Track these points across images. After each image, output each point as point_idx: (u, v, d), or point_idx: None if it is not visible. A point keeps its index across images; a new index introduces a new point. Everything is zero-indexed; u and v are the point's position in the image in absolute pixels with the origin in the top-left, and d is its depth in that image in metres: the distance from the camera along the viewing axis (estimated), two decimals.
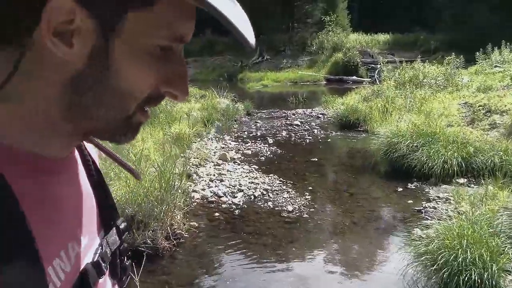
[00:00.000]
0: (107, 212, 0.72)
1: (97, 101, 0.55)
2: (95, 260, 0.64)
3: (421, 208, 5.80)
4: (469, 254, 3.65)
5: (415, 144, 7.15)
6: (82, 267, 0.61)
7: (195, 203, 6.09)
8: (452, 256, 3.70)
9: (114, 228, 0.71)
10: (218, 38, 30.95)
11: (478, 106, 9.51)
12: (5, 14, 0.51)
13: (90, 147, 0.74)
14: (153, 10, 0.53)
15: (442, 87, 12.94)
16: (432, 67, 15.08)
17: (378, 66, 17.31)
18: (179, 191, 5.15)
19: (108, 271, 0.67)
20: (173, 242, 4.85)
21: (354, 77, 23.00)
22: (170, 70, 0.58)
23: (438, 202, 5.95)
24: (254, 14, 29.86)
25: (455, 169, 6.59)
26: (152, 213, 4.63)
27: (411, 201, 6.08)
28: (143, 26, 0.53)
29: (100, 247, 0.66)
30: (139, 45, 0.54)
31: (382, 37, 31.35)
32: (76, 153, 0.68)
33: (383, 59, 19.40)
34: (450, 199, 5.90)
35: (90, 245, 0.64)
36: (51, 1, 0.49)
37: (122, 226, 0.73)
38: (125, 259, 0.75)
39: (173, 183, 5.01)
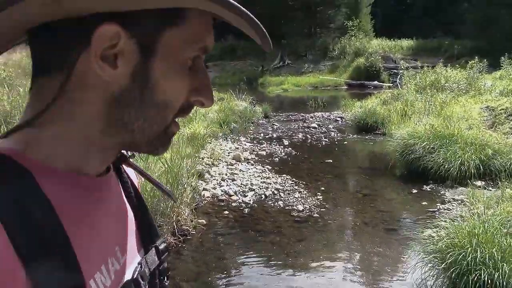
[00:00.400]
0: (147, 233, 0.73)
1: (139, 115, 0.57)
2: (134, 277, 0.65)
3: (435, 209, 5.65)
4: (479, 253, 3.51)
5: (431, 146, 6.98)
6: (122, 283, 0.62)
7: (205, 201, 6.05)
8: (461, 255, 3.56)
9: (154, 249, 0.72)
10: (240, 43, 31.07)
11: (500, 110, 9.28)
12: (54, 42, 0.54)
13: (129, 171, 0.77)
14: (185, 26, 0.56)
15: (464, 91, 12.68)
16: (454, 71, 14.79)
17: (400, 71, 17.10)
18: (186, 187, 5.09)
19: None
20: (180, 238, 4.82)
21: (376, 82, 22.78)
22: (197, 79, 0.60)
23: (453, 204, 5.79)
24: (275, 19, 30.08)
25: (472, 171, 6.41)
26: (158, 208, 4.60)
27: (426, 203, 5.93)
28: (177, 41, 0.56)
29: (139, 266, 0.67)
30: (174, 59, 0.57)
31: (406, 42, 31.04)
32: (115, 175, 0.70)
33: (405, 64, 19.16)
34: (466, 201, 5.72)
35: (129, 263, 0.66)
36: (101, 28, 0.52)
37: (161, 246, 0.74)
38: (165, 280, 0.75)
39: (180, 179, 4.96)
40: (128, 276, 0.64)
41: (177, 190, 4.88)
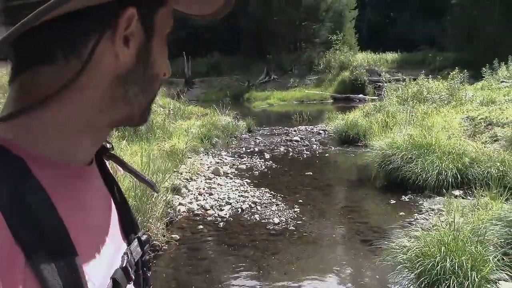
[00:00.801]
0: (128, 225, 0.74)
1: (140, 90, 0.62)
2: (124, 265, 0.65)
3: (412, 219, 5.59)
4: (448, 262, 3.45)
5: (409, 156, 6.96)
6: (113, 270, 0.63)
7: (181, 216, 5.96)
8: (431, 264, 3.51)
9: (136, 239, 0.73)
10: (225, 59, 31.17)
11: (480, 119, 9.31)
12: (65, 30, 0.54)
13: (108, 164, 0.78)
14: (168, 4, 0.62)
15: (445, 102, 12.74)
16: (436, 83, 14.89)
17: (385, 84, 17.24)
18: (156, 201, 4.99)
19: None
20: (150, 254, 4.70)
21: (361, 95, 22.89)
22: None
23: (430, 214, 5.74)
24: (261, 34, 30.15)
25: (450, 180, 6.39)
26: None
27: (403, 213, 5.88)
28: (164, 19, 0.62)
29: (126, 255, 0.68)
30: (162, 36, 0.63)
31: (390, 56, 31.30)
32: (97, 167, 0.70)
33: (387, 76, 19.25)
34: (443, 211, 5.69)
35: (117, 252, 0.67)
36: (128, 11, 0.56)
37: (143, 238, 0.74)
38: (147, 270, 0.75)
39: (150, 193, 4.86)
40: (117, 265, 0.65)
41: (147, 204, 4.77)
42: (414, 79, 15.36)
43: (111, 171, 0.75)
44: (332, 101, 23.55)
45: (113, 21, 0.56)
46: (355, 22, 33.07)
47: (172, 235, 5.25)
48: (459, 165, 6.55)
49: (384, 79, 16.47)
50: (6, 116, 0.55)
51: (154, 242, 4.84)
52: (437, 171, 6.48)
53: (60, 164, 0.58)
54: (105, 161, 0.75)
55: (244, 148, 10.74)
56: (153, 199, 4.93)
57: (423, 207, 6.04)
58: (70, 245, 0.53)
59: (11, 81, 0.59)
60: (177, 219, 5.84)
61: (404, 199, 6.43)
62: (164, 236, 5.07)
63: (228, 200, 6.52)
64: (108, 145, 0.74)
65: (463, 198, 6.11)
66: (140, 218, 4.60)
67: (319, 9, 29.33)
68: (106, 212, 0.68)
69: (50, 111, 0.56)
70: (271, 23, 30.38)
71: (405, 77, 20.95)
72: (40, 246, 0.49)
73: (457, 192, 6.32)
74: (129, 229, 0.73)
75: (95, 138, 0.63)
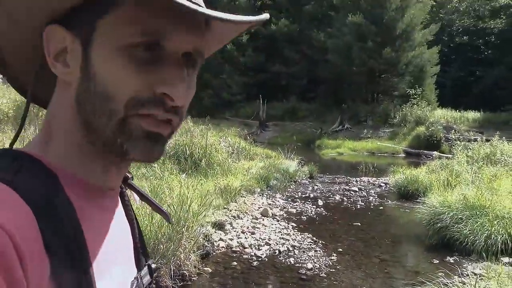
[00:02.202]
0: (140, 252, 0.77)
1: (93, 110, 0.59)
2: None
3: (450, 282, 5.38)
4: None
5: (460, 216, 6.72)
6: None
7: (218, 251, 6.12)
8: None
9: (147, 267, 0.76)
10: (301, 105, 31.59)
11: None
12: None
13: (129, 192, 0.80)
14: (120, 11, 0.57)
15: None
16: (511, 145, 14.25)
17: (456, 142, 16.70)
18: (184, 231, 5.18)
19: None
20: (178, 282, 4.89)
21: (436, 153, 22.16)
22: (166, 71, 0.59)
23: (471, 278, 5.49)
24: (338, 83, 30.35)
25: (500, 246, 6.09)
26: (158, 249, 4.73)
27: (442, 274, 5.66)
28: (113, 27, 0.57)
29: (136, 280, 0.70)
30: (113, 46, 0.57)
31: (472, 114, 30.19)
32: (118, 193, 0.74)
33: (466, 135, 18.61)
34: (484, 276, 5.43)
35: (128, 276, 0.69)
36: (46, 29, 0.60)
37: (153, 266, 0.78)
38: None
39: (185, 223, 5.10)
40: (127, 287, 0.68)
41: (179, 234, 5.00)
42: (487, 140, 14.79)
43: (130, 200, 0.78)
44: (404, 155, 23.01)
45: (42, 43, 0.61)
46: (437, 77, 32.46)
47: (204, 268, 5.42)
48: (511, 231, 6.24)
49: (453, 137, 15.90)
50: (40, 133, 0.64)
51: (183, 271, 5.03)
52: (486, 234, 6.22)
53: (84, 183, 0.62)
54: (125, 190, 0.77)
55: (299, 193, 10.81)
56: (186, 230, 5.15)
57: (465, 270, 5.79)
58: (89, 264, 0.56)
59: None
60: (214, 253, 6.02)
61: (449, 260, 6.19)
62: (195, 267, 5.25)
63: (268, 241, 6.62)
64: (129, 175, 0.76)
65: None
66: (171, 247, 4.83)
67: (400, 63, 29.11)
68: (123, 237, 0.71)
69: (55, 136, 0.63)
70: (350, 73, 30.56)
71: (488, 138, 20.17)
72: (64, 259, 0.52)
73: (506, 259, 6.01)
74: (140, 256, 0.76)
75: (103, 165, 0.64)
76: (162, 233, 4.81)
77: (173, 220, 4.98)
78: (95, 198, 0.63)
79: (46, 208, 0.52)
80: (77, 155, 0.62)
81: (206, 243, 5.90)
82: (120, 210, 0.72)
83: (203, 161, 10.10)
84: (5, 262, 0.46)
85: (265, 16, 0.63)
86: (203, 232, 5.87)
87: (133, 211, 0.77)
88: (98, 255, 0.59)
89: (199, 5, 0.57)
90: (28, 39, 0.64)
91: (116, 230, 0.68)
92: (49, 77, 0.64)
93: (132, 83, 0.57)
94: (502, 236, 6.18)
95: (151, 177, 7.35)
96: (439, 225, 6.81)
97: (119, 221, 0.70)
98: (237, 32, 0.70)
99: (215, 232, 6.61)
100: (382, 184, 12.52)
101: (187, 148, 10.07)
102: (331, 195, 10.69)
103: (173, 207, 5.29)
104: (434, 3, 42.73)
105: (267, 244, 6.52)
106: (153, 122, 0.60)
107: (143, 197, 0.80)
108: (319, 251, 6.37)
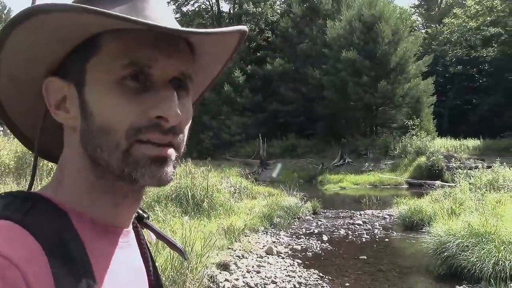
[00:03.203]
0: None
1: (96, 147, 0.62)
2: None
3: None
4: None
5: (466, 244, 6.67)
6: None
7: None
8: None
9: None
10: (300, 141, 31.72)
11: None
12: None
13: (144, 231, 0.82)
14: (102, 50, 0.62)
15: None
16: None
17: (458, 170, 16.72)
18: (188, 274, 5.13)
19: None
20: None
21: (438, 182, 22.10)
22: (156, 95, 0.62)
23: None
24: (336, 118, 30.54)
25: (508, 272, 6.02)
26: None
27: None
28: (99, 66, 0.61)
29: None
30: (103, 83, 0.61)
31: (472, 142, 30.26)
32: (133, 232, 0.75)
33: (467, 164, 18.63)
34: None
35: None
36: (43, 83, 0.66)
37: None
38: None
39: (188, 265, 5.06)
40: None
41: (184, 276, 4.96)
42: (489, 167, 14.81)
43: (146, 240, 0.79)
44: (406, 186, 22.96)
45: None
46: (434, 107, 32.70)
47: None
48: None
49: (454, 166, 15.92)
50: (53, 177, 0.68)
51: None
52: (493, 261, 6.15)
53: (96, 222, 0.64)
54: (141, 229, 0.78)
55: (304, 229, 10.74)
56: (190, 272, 5.11)
57: None
58: None
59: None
60: None
61: None
62: None
63: (274, 279, 6.54)
64: (144, 215, 0.78)
65: None
66: None
67: (396, 95, 29.36)
68: (136, 275, 0.71)
69: (66, 179, 0.66)
70: (347, 108, 30.80)
71: (489, 165, 20.16)
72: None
73: None
74: None
75: (115, 200, 0.66)
76: (166, 276, 4.77)
77: (180, 260, 4.95)
78: (106, 236, 0.65)
79: (56, 245, 0.55)
80: (88, 193, 0.65)
81: (211, 284, 5.84)
82: (134, 248, 0.73)
83: (205, 202, 10.07)
84: None
85: (243, 27, 0.66)
86: (208, 273, 5.81)
87: (149, 250, 0.77)
88: None
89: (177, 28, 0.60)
90: (28, 95, 0.69)
91: (129, 268, 0.69)
92: (50, 130, 0.71)
93: (128, 113, 0.60)
94: (510, 262, 6.12)
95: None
96: (445, 254, 6.75)
97: (132, 259, 0.71)
98: (227, 53, 0.73)
99: (220, 273, 6.54)
100: (387, 216, 12.46)
101: (188, 190, 10.06)
102: (336, 230, 10.62)
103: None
104: (426, 35, 43.62)
105: (273, 282, 6.44)
106: (154, 146, 0.62)
107: (159, 235, 0.81)
108: (326, 286, 6.30)
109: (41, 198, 0.61)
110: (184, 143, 0.67)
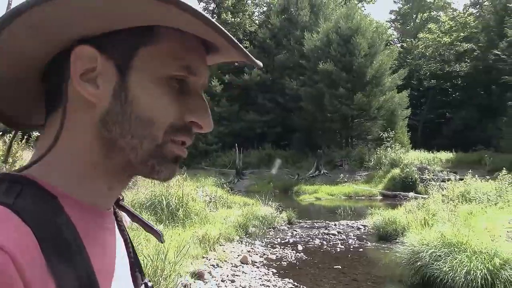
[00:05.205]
0: (136, 271, 0.78)
1: (125, 132, 0.61)
2: None
3: None
4: None
5: (438, 254, 6.75)
6: None
7: None
8: None
9: (143, 285, 0.77)
10: (277, 151, 31.79)
11: None
12: (56, 77, 0.64)
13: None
14: (160, 43, 0.62)
15: (494, 202, 12.38)
16: (485, 183, 14.56)
17: (438, 183, 16.98)
18: (169, 283, 5.08)
19: None
20: None
21: (412, 194, 22.38)
22: (192, 102, 0.65)
23: None
24: (312, 129, 30.73)
25: (479, 281, 6.10)
26: None
27: None
28: (153, 58, 0.62)
29: None
30: (152, 75, 0.62)
31: (445, 155, 30.78)
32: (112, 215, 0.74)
33: (440, 176, 18.92)
34: None
35: None
36: (75, 49, 0.60)
37: (149, 284, 0.79)
38: None
39: (162, 273, 5.00)
40: None
41: (157, 285, 4.89)
42: (461, 179, 15.10)
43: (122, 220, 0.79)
44: (381, 198, 23.19)
45: (68, 62, 0.60)
46: (408, 120, 33.20)
47: None
48: (489, 266, 6.27)
49: (428, 177, 16.18)
50: (38, 157, 0.62)
51: None
52: (465, 270, 6.23)
53: (85, 205, 0.62)
54: (118, 211, 0.78)
55: (279, 239, 10.72)
56: (164, 280, 5.04)
57: None
58: (95, 282, 0.56)
59: (43, 125, 0.66)
60: None
61: None
62: None
63: None
64: (120, 196, 0.77)
65: None
66: None
67: (371, 107, 29.72)
68: (120, 256, 0.71)
69: (61, 156, 0.62)
70: (323, 119, 31.03)
71: (461, 177, 20.52)
72: (68, 278, 0.53)
73: None
74: (136, 273, 0.77)
75: (110, 184, 0.66)
76: None
77: (153, 268, 4.88)
78: (96, 218, 0.65)
79: (47, 229, 0.53)
80: (85, 173, 0.63)
81: None
82: (116, 229, 0.73)
83: (180, 211, 9.98)
84: (6, 281, 0.46)
85: (260, 64, 0.70)
86: (182, 282, 5.74)
87: (126, 231, 0.78)
88: (102, 273, 0.60)
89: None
90: (40, 58, 0.63)
91: (115, 249, 0.69)
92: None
93: (172, 111, 0.63)
94: (481, 272, 6.20)
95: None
96: (418, 263, 6.81)
97: (117, 240, 0.71)
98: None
99: (194, 282, 6.47)
100: (361, 227, 12.54)
101: (163, 199, 9.96)
102: (311, 240, 10.63)
103: (150, 257, 5.19)
104: (401, 49, 44.38)
105: None
106: (182, 148, 0.66)
107: (135, 217, 0.81)
108: None
109: (29, 181, 0.59)
110: None
